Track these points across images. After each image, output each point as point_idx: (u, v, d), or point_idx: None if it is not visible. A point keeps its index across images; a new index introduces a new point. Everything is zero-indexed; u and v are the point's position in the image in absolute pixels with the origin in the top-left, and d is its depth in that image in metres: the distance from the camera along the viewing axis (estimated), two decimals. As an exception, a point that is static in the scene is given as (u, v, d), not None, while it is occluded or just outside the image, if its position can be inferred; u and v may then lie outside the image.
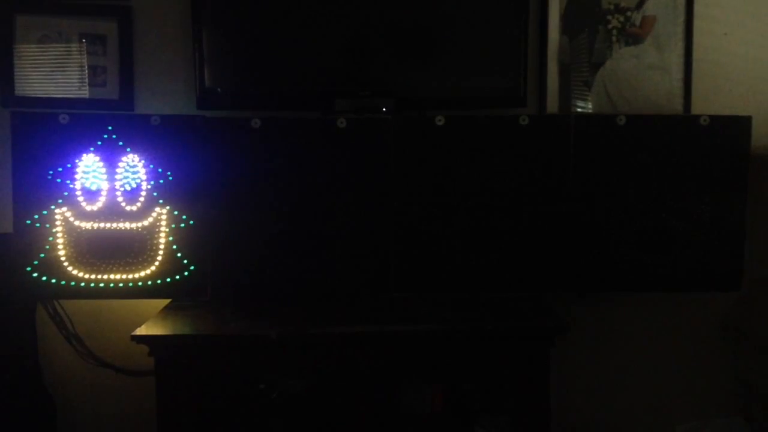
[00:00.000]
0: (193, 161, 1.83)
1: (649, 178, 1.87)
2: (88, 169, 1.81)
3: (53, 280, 1.81)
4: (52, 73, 2.06)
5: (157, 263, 1.83)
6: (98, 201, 1.82)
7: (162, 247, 1.83)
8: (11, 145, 1.79)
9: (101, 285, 1.83)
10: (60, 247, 1.81)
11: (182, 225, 1.83)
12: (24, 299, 2.00)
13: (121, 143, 1.81)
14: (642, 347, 2.21)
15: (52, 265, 1.81)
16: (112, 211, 1.82)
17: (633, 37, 2.12)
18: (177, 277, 1.84)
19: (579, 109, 2.13)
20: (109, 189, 1.82)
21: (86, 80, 2.07)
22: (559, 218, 1.87)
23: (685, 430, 2.17)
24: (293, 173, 1.85)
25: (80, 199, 1.81)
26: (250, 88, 1.99)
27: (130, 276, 1.83)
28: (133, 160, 1.82)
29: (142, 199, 1.82)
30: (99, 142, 1.81)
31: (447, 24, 1.98)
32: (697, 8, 2.10)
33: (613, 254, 1.88)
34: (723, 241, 1.88)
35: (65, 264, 1.81)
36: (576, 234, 1.88)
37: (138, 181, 1.82)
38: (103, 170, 1.81)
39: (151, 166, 1.82)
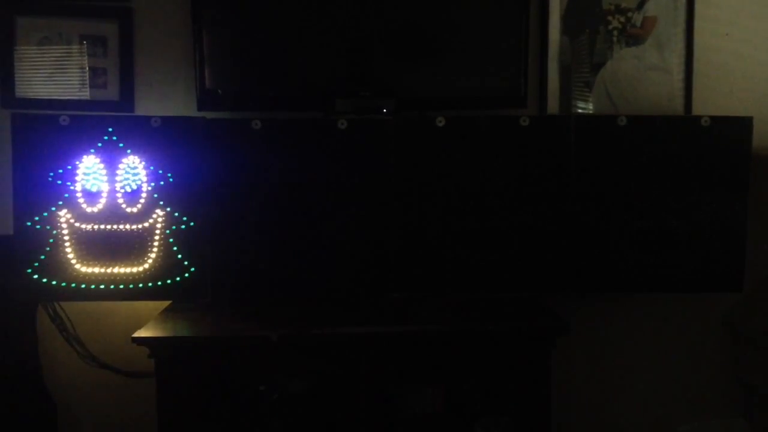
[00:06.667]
0: (194, 163, 1.82)
1: (650, 179, 1.87)
2: (89, 170, 1.81)
3: (54, 282, 1.81)
4: (53, 74, 2.06)
5: (157, 265, 1.83)
6: (99, 203, 1.82)
7: (162, 248, 1.83)
8: (12, 146, 1.79)
9: (102, 287, 1.83)
10: (60, 249, 1.80)
11: (183, 227, 1.83)
12: (24, 301, 2.00)
13: (121, 145, 1.81)
14: (643, 348, 2.21)
15: (52, 267, 1.81)
16: (112, 213, 1.82)
17: (634, 37, 2.11)
18: (177, 278, 1.84)
19: (580, 110, 2.13)
20: (109, 191, 1.82)
21: (87, 82, 2.07)
22: (560, 219, 1.87)
23: (687, 430, 2.17)
24: (294, 174, 1.85)
25: (81, 200, 1.81)
26: (251, 89, 1.98)
27: (131, 278, 1.83)
28: (133, 162, 1.82)
29: (142, 200, 1.82)
30: (99, 144, 1.81)
31: (448, 24, 1.98)
32: (698, 9, 2.10)
33: (614, 255, 1.88)
34: (724, 241, 1.87)
35: (66, 266, 1.81)
36: (577, 234, 1.87)
37: (138, 182, 1.82)
38: (104, 172, 1.81)
39: (152, 167, 1.82)
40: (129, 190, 1.82)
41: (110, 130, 1.81)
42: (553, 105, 2.12)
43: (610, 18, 2.11)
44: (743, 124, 1.87)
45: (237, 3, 1.97)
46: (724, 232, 1.87)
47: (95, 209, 1.82)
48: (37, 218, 1.79)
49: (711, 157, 1.86)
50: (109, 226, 1.82)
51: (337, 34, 1.97)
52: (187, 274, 1.84)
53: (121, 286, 1.83)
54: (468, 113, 1.92)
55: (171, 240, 1.83)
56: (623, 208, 1.87)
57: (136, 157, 1.82)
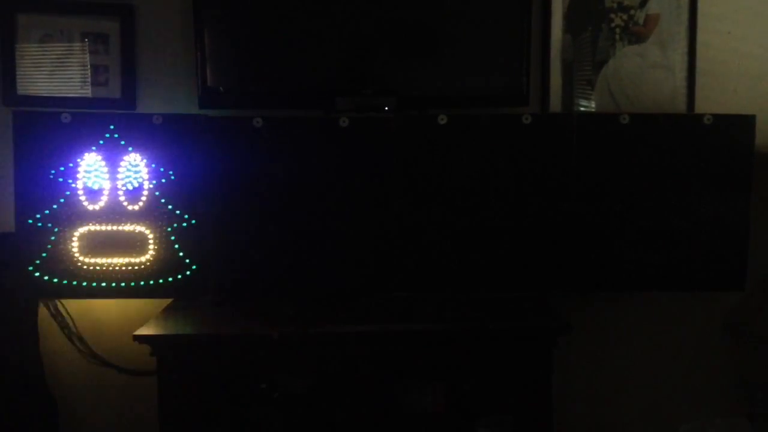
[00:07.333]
0: (195, 160, 1.82)
1: (652, 177, 1.86)
2: (90, 168, 1.81)
3: (55, 279, 1.81)
4: (54, 72, 2.06)
5: (159, 263, 1.83)
6: (100, 200, 1.82)
7: (164, 246, 1.83)
8: (13, 143, 1.80)
9: (103, 284, 1.83)
10: (62, 246, 1.80)
11: (184, 224, 1.83)
12: (26, 298, 2.00)
13: (123, 142, 1.81)
14: (645, 347, 2.20)
15: (54, 264, 1.81)
16: (114, 211, 1.82)
17: (636, 35, 2.11)
18: (179, 276, 1.84)
19: (582, 108, 2.12)
20: (110, 188, 1.82)
21: (88, 79, 2.06)
22: (562, 217, 1.87)
23: (688, 430, 2.16)
24: (295, 172, 1.85)
25: (82, 198, 1.81)
26: (252, 86, 1.98)
27: (133, 275, 1.83)
28: (135, 160, 1.82)
29: (144, 198, 1.82)
30: (101, 141, 1.81)
31: (449, 22, 1.98)
32: (701, 7, 2.09)
33: (616, 253, 1.87)
34: (726, 240, 1.87)
35: (67, 263, 1.81)
36: (579, 233, 1.87)
37: (140, 180, 1.82)
38: (105, 169, 1.81)
39: (153, 165, 1.82)
40: (130, 187, 1.82)
41: (112, 127, 1.81)
42: (555, 103, 2.11)
43: (612, 16, 2.10)
44: (746, 122, 1.86)
45: (238, 1, 1.96)
46: (726, 231, 1.87)
47: (97, 207, 1.82)
48: (38, 216, 1.80)
49: (713, 155, 1.86)
50: (110, 224, 1.82)
51: (338, 32, 1.97)
52: (188, 272, 1.84)
53: (123, 284, 1.83)
54: (470, 111, 1.92)
55: (172, 238, 1.83)
56: (625, 206, 1.86)
57: (137, 154, 1.82)
